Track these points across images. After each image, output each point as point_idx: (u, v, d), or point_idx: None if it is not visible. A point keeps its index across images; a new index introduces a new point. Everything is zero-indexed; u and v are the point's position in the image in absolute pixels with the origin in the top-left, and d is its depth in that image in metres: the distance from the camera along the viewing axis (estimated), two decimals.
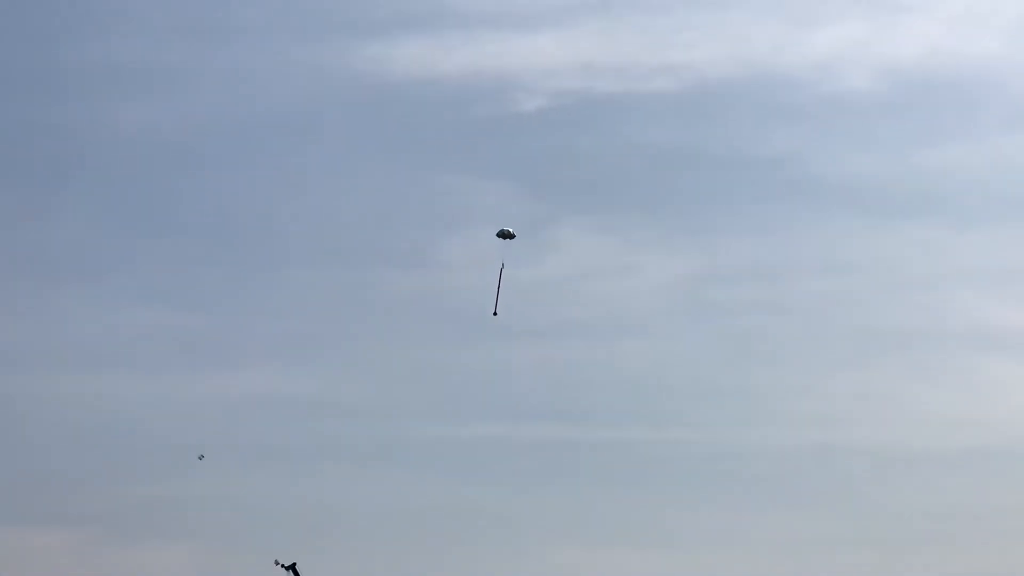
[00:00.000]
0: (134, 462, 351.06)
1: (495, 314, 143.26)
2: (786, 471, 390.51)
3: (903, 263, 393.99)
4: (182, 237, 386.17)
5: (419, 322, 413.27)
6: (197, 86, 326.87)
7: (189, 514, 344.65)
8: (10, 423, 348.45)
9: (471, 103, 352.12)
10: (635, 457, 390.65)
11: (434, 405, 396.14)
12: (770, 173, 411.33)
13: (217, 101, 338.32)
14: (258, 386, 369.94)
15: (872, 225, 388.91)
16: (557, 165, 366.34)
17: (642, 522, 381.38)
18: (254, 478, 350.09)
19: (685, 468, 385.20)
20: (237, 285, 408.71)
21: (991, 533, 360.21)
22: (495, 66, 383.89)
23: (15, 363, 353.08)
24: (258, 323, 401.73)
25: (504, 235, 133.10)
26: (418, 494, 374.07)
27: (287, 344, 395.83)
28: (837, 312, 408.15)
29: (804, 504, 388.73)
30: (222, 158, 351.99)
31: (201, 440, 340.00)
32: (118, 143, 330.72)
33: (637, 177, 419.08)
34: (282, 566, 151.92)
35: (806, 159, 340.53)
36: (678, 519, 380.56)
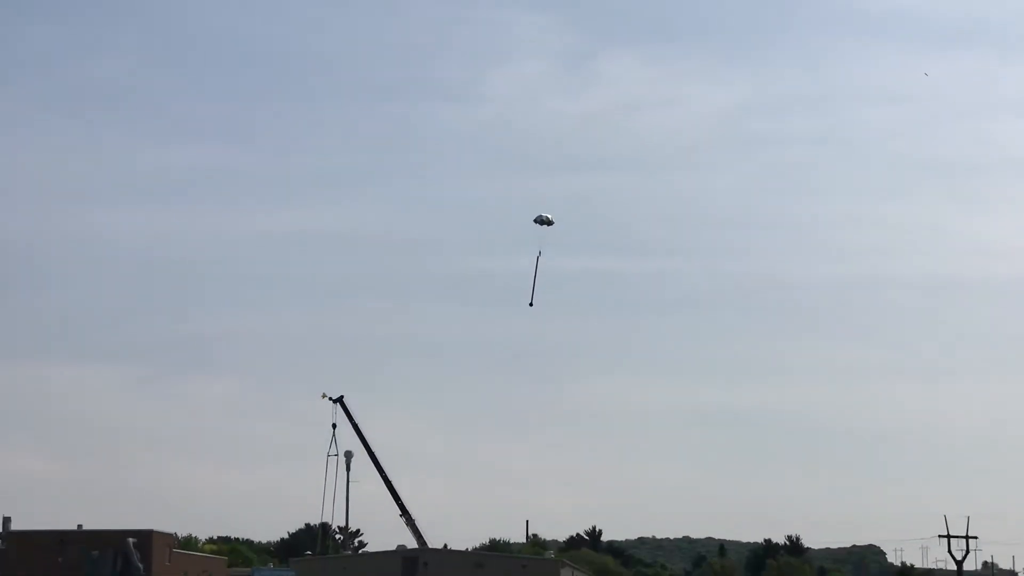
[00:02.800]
0: (183, 299, 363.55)
1: (531, 304, 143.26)
2: (833, 302, 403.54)
3: (952, 93, 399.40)
4: (226, 73, 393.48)
5: (463, 155, 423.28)
6: None
7: (238, 349, 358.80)
8: (61, 261, 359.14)
9: None
10: (680, 289, 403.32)
11: (479, 239, 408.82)
12: (819, 1, 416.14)
13: None
14: (305, 221, 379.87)
15: (921, 53, 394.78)
16: None
17: (688, 352, 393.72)
18: (302, 313, 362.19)
19: (731, 299, 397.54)
20: (280, 120, 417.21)
21: None
22: None
23: (64, 197, 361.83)
24: (302, 159, 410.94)
25: (542, 221, 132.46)
26: (464, 326, 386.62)
27: (331, 179, 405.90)
28: (885, 142, 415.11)
29: (851, 334, 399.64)
30: None
31: (247, 275, 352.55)
32: None
33: (681, 5, 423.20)
34: (329, 399, 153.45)
35: None
36: (724, 349, 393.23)
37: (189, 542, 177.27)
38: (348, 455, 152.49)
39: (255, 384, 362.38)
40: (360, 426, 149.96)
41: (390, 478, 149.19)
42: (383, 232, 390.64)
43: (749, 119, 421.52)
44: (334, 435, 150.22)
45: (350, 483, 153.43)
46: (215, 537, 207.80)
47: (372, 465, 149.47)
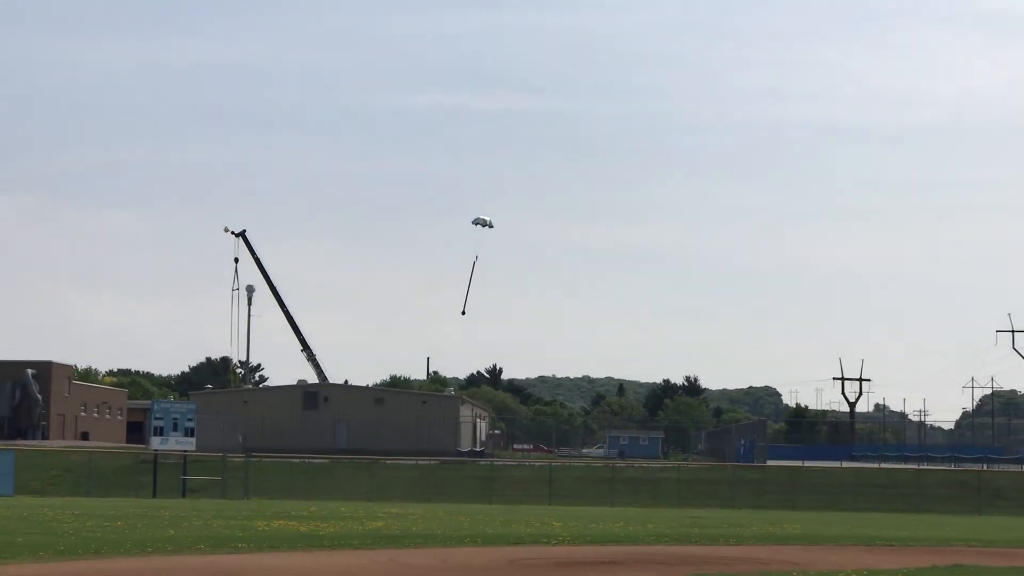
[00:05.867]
0: (82, 130, 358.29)
1: (463, 313, 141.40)
2: (735, 144, 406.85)
3: None
4: None
5: None
6: None
7: (139, 181, 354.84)
8: None
9: None
10: (580, 129, 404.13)
11: (389, 74, 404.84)
12: None
13: None
14: (211, 53, 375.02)
15: None
16: None
17: (588, 193, 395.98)
18: (206, 144, 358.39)
19: (632, 140, 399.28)
20: None
21: (934, 208, 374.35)
22: None
23: None
24: None
25: (480, 223, 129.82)
26: (371, 162, 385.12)
27: (234, 8, 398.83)
28: None
29: (750, 177, 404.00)
30: None
31: (148, 105, 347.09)
32: None
33: None
34: (232, 233, 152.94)
35: None
36: (623, 190, 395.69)
37: (89, 374, 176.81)
38: (250, 289, 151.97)
39: (157, 217, 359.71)
40: (262, 260, 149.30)
41: (292, 313, 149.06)
42: (291, 65, 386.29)
43: None
44: (236, 270, 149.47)
45: (251, 318, 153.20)
46: (115, 370, 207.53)
47: (274, 300, 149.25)
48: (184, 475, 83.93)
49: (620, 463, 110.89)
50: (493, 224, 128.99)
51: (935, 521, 64.80)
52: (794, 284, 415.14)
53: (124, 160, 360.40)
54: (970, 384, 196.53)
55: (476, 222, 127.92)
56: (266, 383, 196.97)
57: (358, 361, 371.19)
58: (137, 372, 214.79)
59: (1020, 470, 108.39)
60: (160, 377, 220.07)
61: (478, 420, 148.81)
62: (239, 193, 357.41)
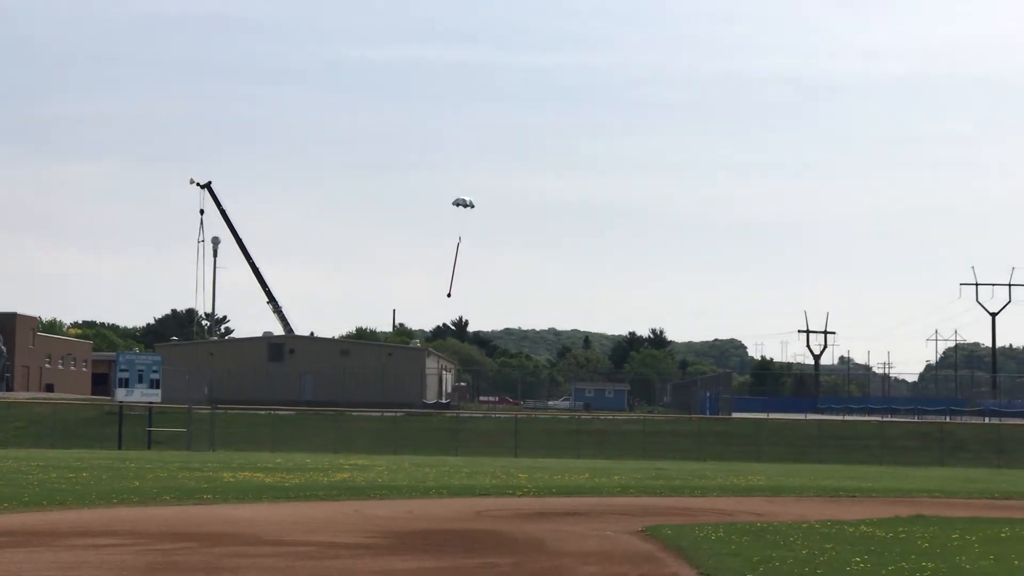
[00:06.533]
0: (47, 81, 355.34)
1: (449, 295, 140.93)
2: (701, 97, 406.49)
3: None
4: None
5: None
6: None
7: (105, 131, 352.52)
8: None
9: None
10: (546, 82, 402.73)
11: (366, 27, 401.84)
12: None
13: None
14: (178, 4, 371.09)
15: None
16: None
17: (557, 145, 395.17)
18: (172, 96, 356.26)
19: (598, 93, 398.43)
20: None
21: (901, 161, 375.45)
22: None
23: None
24: None
25: (461, 203, 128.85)
26: (335, 114, 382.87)
27: None
28: None
29: (719, 130, 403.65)
30: None
31: (114, 56, 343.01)
32: None
33: None
34: (197, 184, 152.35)
35: None
36: (592, 143, 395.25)
37: (54, 326, 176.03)
38: (215, 241, 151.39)
39: (123, 169, 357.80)
40: (228, 212, 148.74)
41: (257, 265, 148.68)
42: (258, 16, 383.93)
43: None
44: (202, 221, 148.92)
45: (217, 270, 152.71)
46: (80, 321, 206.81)
47: (240, 252, 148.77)
48: (150, 427, 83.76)
49: (586, 415, 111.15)
50: (474, 204, 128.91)
51: (898, 473, 65.25)
52: (760, 237, 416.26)
53: (90, 111, 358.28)
54: (934, 337, 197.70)
55: (457, 203, 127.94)
56: (232, 335, 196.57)
57: (324, 313, 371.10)
58: (102, 324, 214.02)
59: (982, 422, 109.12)
60: (125, 329, 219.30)
61: (444, 372, 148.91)
62: (205, 145, 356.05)
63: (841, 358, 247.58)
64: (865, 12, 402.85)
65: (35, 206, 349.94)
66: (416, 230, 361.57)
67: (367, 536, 24.74)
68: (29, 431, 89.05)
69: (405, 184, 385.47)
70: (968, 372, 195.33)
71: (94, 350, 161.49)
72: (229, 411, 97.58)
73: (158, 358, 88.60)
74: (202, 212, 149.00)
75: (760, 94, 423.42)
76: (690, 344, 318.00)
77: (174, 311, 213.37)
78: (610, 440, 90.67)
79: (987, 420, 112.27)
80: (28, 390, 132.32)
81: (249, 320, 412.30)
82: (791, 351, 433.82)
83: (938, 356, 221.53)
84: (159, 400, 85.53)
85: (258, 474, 45.84)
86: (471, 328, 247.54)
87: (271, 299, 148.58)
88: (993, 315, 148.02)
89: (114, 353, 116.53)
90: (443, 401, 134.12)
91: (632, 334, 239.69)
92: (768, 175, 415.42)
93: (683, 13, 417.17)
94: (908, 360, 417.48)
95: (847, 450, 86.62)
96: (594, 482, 45.62)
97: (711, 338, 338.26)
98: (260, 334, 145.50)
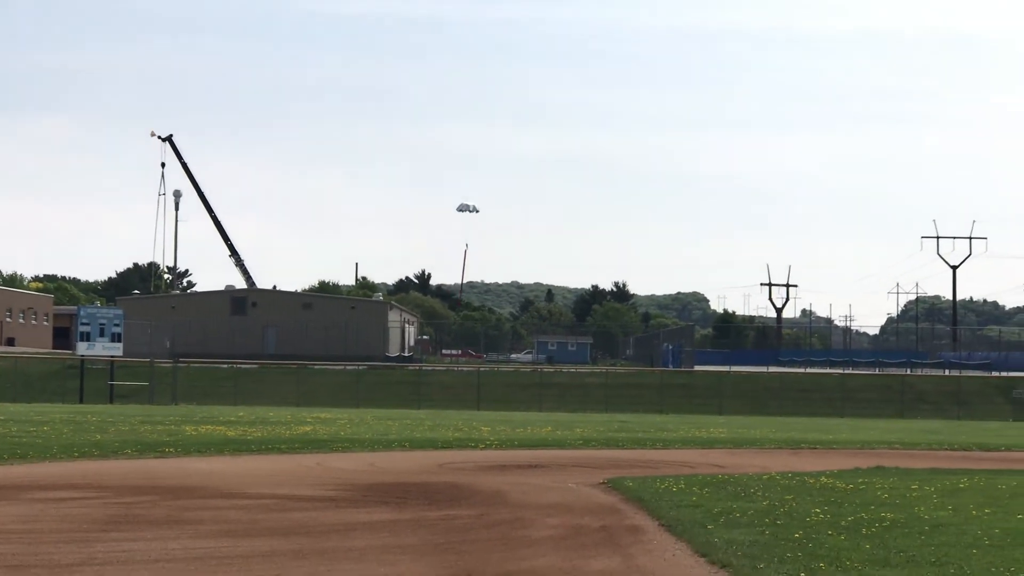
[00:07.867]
0: (6, 32, 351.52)
1: (459, 299, 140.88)
2: (665, 51, 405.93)
3: None
4: None
5: None
6: None
7: (66, 84, 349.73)
8: None
9: None
10: (512, 35, 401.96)
11: None
12: None
13: None
14: None
15: None
16: None
17: (518, 99, 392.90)
18: (133, 48, 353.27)
19: (562, 48, 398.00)
20: None
21: (862, 115, 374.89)
22: None
23: None
24: None
25: (465, 209, 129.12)
26: (300, 67, 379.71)
27: None
28: None
29: (682, 84, 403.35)
30: None
31: (74, 9, 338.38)
32: None
33: None
34: (158, 137, 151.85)
35: None
36: (554, 96, 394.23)
37: (14, 280, 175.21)
38: (176, 194, 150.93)
39: (84, 122, 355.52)
40: (189, 165, 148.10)
41: (219, 218, 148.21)
42: None
43: None
44: (163, 174, 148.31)
45: (178, 223, 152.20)
46: (41, 275, 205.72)
47: (201, 205, 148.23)
48: (111, 381, 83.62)
49: (548, 368, 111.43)
50: (478, 209, 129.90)
51: (859, 425, 65.67)
52: (723, 191, 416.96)
53: (50, 64, 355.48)
54: (895, 290, 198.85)
55: (461, 209, 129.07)
56: (194, 288, 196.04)
57: (286, 266, 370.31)
58: (63, 277, 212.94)
59: (942, 374, 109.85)
60: (87, 283, 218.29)
61: (406, 325, 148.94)
62: (166, 98, 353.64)
63: (803, 311, 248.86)
64: None
65: None
66: (378, 183, 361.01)
67: (329, 489, 24.76)
68: None
69: (368, 137, 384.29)
70: (929, 325, 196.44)
71: (55, 304, 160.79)
72: (191, 365, 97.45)
73: (120, 312, 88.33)
74: (163, 165, 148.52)
75: (719, 48, 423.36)
76: (653, 297, 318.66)
77: (135, 264, 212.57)
78: (572, 393, 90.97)
79: (947, 372, 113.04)
80: None
81: (211, 273, 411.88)
82: (754, 304, 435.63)
83: (899, 309, 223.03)
84: (121, 354, 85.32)
85: (220, 427, 45.79)
86: (433, 281, 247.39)
87: (233, 252, 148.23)
88: (954, 268, 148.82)
89: (75, 307, 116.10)
90: (406, 354, 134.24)
91: (595, 287, 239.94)
92: (732, 129, 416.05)
93: None
94: (870, 313, 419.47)
95: (809, 402, 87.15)
96: (556, 435, 45.76)
97: (674, 291, 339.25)
98: (222, 287, 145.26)
